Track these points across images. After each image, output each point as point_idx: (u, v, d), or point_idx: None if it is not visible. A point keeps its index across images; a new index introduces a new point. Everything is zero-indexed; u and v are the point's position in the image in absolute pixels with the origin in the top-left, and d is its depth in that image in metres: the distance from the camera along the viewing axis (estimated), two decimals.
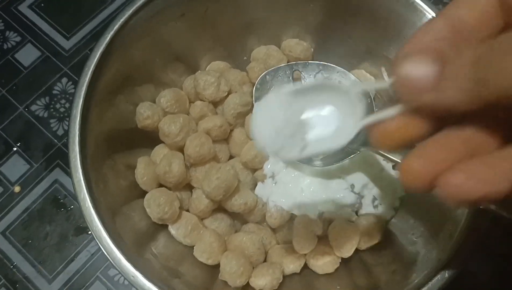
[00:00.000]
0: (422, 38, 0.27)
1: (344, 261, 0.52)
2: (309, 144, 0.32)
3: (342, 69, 0.55)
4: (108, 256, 0.42)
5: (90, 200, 0.43)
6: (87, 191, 0.43)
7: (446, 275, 0.41)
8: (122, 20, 0.49)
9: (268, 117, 0.32)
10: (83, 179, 0.44)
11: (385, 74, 0.57)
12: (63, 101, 0.66)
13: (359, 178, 0.55)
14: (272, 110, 0.32)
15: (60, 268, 0.58)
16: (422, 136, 0.27)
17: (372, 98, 0.55)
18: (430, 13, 0.50)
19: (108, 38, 0.48)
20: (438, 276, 0.41)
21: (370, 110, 0.52)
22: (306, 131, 0.32)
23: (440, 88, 0.24)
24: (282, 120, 0.32)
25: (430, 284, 0.41)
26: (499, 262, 0.58)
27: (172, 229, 0.51)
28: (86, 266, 0.58)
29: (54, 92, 0.67)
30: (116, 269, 0.41)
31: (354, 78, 0.54)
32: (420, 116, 0.26)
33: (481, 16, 0.27)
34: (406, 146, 0.28)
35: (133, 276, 0.41)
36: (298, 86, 0.32)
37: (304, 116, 0.32)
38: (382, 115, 0.28)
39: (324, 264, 0.51)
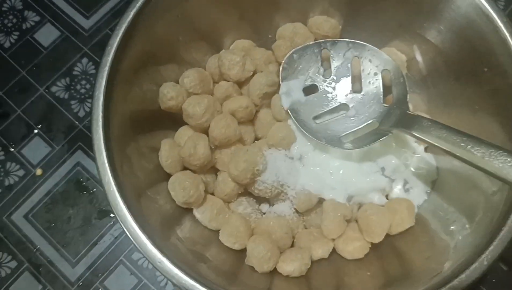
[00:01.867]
0: None
1: (374, 247, 0.50)
2: None
3: (374, 47, 0.52)
4: (133, 241, 0.40)
5: (114, 184, 0.42)
6: (111, 174, 0.42)
7: (485, 263, 0.39)
8: None
9: None
10: (107, 162, 0.42)
11: (417, 52, 0.54)
12: (83, 82, 0.65)
13: (390, 161, 0.53)
14: None
15: (83, 251, 0.58)
16: None
17: (404, 76, 0.52)
18: None
19: (131, 16, 0.47)
20: (476, 264, 0.39)
21: (403, 90, 0.50)
22: None
23: None
24: None
25: (467, 271, 0.39)
26: None
27: (197, 213, 0.50)
28: (110, 250, 0.58)
29: (75, 72, 0.65)
30: (142, 254, 0.40)
31: (386, 56, 0.52)
32: None
33: None
34: None
35: (159, 262, 0.40)
36: None
37: None
38: None
39: (353, 249, 0.50)
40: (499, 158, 0.38)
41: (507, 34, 0.45)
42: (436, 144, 0.43)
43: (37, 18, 0.68)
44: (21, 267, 0.57)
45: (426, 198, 0.53)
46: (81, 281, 0.56)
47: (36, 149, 0.62)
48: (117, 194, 0.41)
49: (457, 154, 0.41)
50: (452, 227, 0.47)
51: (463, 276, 0.39)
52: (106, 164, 0.42)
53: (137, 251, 0.57)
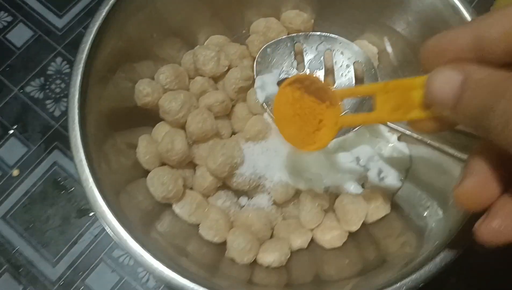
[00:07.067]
0: (447, 45, 0.29)
1: (352, 235, 0.51)
2: None
3: (345, 40, 0.53)
4: (114, 237, 0.40)
5: (93, 181, 0.42)
6: (89, 172, 0.42)
7: (457, 246, 0.40)
8: None
9: None
10: (85, 159, 0.42)
11: (387, 44, 0.56)
12: (58, 81, 0.65)
13: (364, 151, 0.54)
14: None
15: (63, 251, 0.57)
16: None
17: (376, 67, 0.54)
18: None
19: (104, 13, 0.47)
20: (449, 247, 0.40)
21: (374, 80, 0.51)
22: None
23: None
24: None
25: (442, 255, 0.40)
26: None
27: (176, 208, 0.50)
28: (90, 248, 0.57)
29: (49, 72, 0.65)
30: (123, 250, 0.41)
31: (357, 48, 0.53)
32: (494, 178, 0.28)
33: (506, 38, 0.25)
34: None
35: (140, 256, 0.40)
36: None
37: None
38: None
39: (331, 238, 0.51)
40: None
41: None
42: (407, 132, 0.44)
43: (9, 18, 0.68)
44: (0, 269, 0.57)
45: (400, 186, 0.54)
46: (62, 280, 0.56)
47: (12, 150, 0.62)
48: (95, 191, 0.41)
49: (426, 140, 0.42)
50: (426, 213, 0.48)
51: (436, 259, 0.40)
52: (84, 162, 0.42)
53: (118, 248, 0.57)
